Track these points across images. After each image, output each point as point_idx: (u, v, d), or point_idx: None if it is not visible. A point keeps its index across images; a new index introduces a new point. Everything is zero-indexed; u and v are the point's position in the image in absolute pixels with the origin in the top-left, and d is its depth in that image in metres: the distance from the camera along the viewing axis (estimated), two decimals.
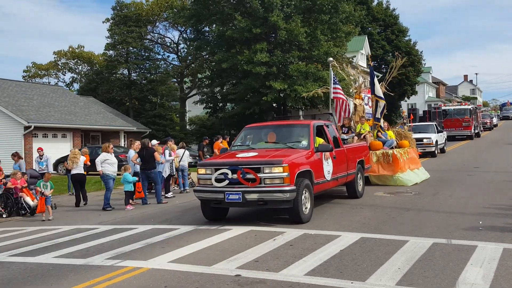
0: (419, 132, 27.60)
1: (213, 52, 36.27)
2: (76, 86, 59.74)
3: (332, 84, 19.12)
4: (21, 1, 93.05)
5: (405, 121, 23.89)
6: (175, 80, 50.14)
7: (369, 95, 18.91)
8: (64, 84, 59.07)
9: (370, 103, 18.77)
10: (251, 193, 9.73)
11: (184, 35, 47.56)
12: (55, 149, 30.13)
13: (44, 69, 59.52)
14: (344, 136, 16.35)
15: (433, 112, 44.00)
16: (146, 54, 48.16)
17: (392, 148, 17.20)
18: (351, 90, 20.42)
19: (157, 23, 48.66)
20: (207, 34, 39.00)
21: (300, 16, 32.95)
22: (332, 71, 19.91)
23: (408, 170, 16.69)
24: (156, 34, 49.78)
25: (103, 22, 48.51)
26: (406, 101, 61.91)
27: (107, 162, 14.89)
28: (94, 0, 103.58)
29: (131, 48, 46.15)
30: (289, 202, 9.78)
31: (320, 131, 12.19)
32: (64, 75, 61.24)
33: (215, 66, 36.59)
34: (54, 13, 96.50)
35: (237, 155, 10.63)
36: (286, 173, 9.62)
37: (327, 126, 12.75)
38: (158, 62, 49.28)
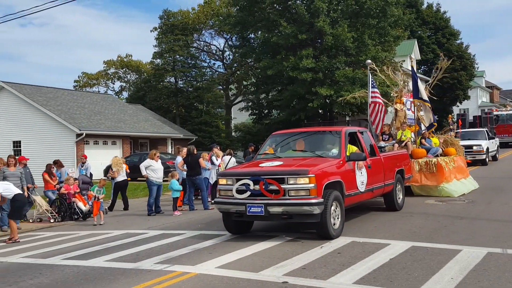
0: (469, 139, 26.50)
1: (259, 59, 36.40)
2: (125, 94, 61.24)
3: (370, 87, 18.13)
4: (73, 13, 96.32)
5: (451, 127, 22.52)
6: (220, 87, 50.62)
7: (411, 99, 17.92)
8: (114, 92, 60.61)
9: (412, 108, 17.68)
10: (275, 205, 9.01)
11: (230, 43, 48.03)
12: (105, 155, 30.86)
13: (94, 78, 61.23)
14: (382, 144, 15.77)
15: (484, 118, 42.34)
16: (192, 62, 48.86)
17: (437, 156, 16.09)
18: (392, 94, 19.30)
19: (203, 31, 49.32)
20: (252, 41, 39.22)
21: (347, 21, 32.68)
22: (370, 75, 19.05)
23: (454, 179, 15.50)
24: (202, 42, 50.51)
25: (150, 31, 49.72)
26: (458, 106, 60.36)
27: (150, 169, 15.17)
28: (142, 10, 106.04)
29: (177, 56, 46.92)
30: (316, 216, 8.98)
31: (353, 139, 11.36)
32: (114, 83, 62.88)
33: (260, 73, 36.71)
34: (103, 24, 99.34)
35: (260, 165, 9.89)
36: (312, 184, 8.84)
37: (362, 132, 11.87)
38: (204, 70, 49.92)
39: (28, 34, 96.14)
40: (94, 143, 31.57)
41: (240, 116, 47.65)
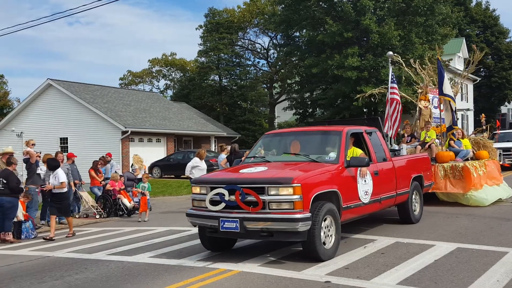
0: (508, 141, 25.05)
1: (303, 57, 36.26)
2: (169, 92, 62.10)
3: (390, 82, 16.37)
4: (118, 12, 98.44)
5: (484, 127, 20.68)
6: (264, 85, 50.70)
7: (438, 96, 15.83)
8: (158, 90, 61.54)
9: (441, 106, 15.53)
10: (252, 220, 7.53)
11: (274, 41, 48.04)
12: (150, 153, 31.47)
13: (138, 77, 62.35)
14: (395, 147, 14.60)
15: None
16: (237, 60, 49.09)
17: (467, 159, 14.47)
18: (419, 91, 17.30)
19: (248, 29, 49.48)
20: (297, 39, 39.10)
21: (394, 19, 32.17)
22: (391, 68, 17.26)
23: (486, 186, 13.63)
24: (246, 41, 50.66)
25: (196, 29, 50.24)
26: (506, 106, 58.57)
27: (197, 168, 15.22)
28: (187, 8, 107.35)
29: (222, 54, 47.23)
30: (301, 234, 7.46)
31: (358, 140, 9.85)
32: (158, 82, 63.86)
33: (304, 71, 36.56)
34: (148, 22, 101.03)
35: (240, 170, 8.50)
36: (297, 196, 7.36)
37: (370, 133, 10.15)
38: (248, 68, 50.09)
39: (75, 32, 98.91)
40: (139, 141, 32.16)
41: (283, 114, 47.58)
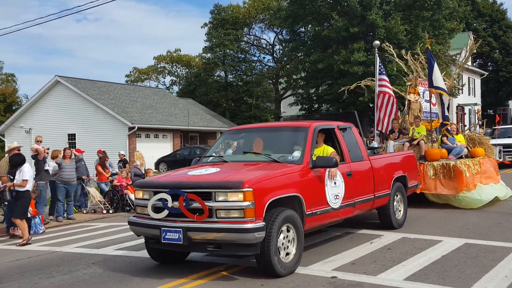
0: (509, 137, 23.53)
1: (309, 53, 36.20)
2: (175, 88, 62.19)
3: (377, 74, 15.28)
4: (125, 8, 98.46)
5: (479, 122, 19.19)
6: (270, 81, 50.67)
7: (428, 89, 14.42)
8: (164, 86, 61.65)
9: (433, 99, 14.33)
10: (197, 231, 6.56)
11: (280, 37, 47.99)
12: (157, 149, 31.57)
13: (144, 73, 62.45)
14: (375, 144, 13.77)
15: None
16: (242, 56, 49.10)
17: (461, 157, 13.40)
18: (408, 83, 15.98)
19: (253, 25, 49.44)
20: (302, 34, 39.04)
21: (400, 13, 32.06)
22: (378, 58, 15.96)
23: (480, 186, 12.45)
24: (252, 36, 50.64)
25: (201, 27, 50.21)
26: None
27: None
28: (192, 4, 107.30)
29: (228, 50, 47.25)
30: (253, 246, 6.48)
31: (330, 137, 8.77)
32: (164, 78, 63.96)
33: (310, 67, 36.50)
34: (154, 18, 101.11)
35: (189, 172, 7.47)
36: (248, 202, 6.37)
37: (343, 129, 9.01)
38: (253, 64, 50.08)
39: (82, 29, 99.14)
40: (145, 136, 32.24)
41: (289, 110, 47.54)
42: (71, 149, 14.67)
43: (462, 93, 40.08)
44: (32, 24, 50.71)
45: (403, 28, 31.17)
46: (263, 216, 6.52)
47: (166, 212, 6.79)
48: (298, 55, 41.30)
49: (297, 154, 7.77)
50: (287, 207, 6.97)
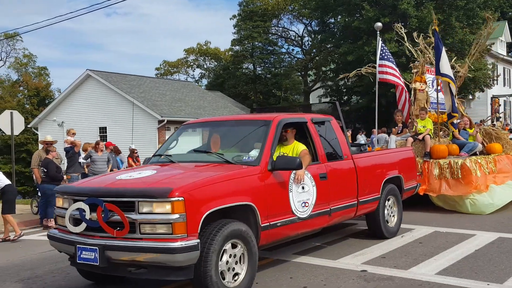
0: None
1: (338, 44, 35.84)
2: (204, 81, 62.44)
3: (378, 59, 13.81)
4: (155, 2, 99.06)
5: (498, 115, 16.93)
6: (299, 73, 50.42)
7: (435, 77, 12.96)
8: (193, 79, 61.92)
9: (443, 88, 12.80)
10: (116, 250, 5.30)
11: (309, 28, 47.65)
12: (186, 143, 31.69)
13: (174, 66, 62.86)
14: (361, 140, 11.93)
15: None
16: (271, 48, 48.95)
17: (475, 154, 12.04)
18: (413, 71, 14.36)
19: (282, 16, 49.21)
20: (332, 26, 38.66)
21: (433, 2, 31.47)
22: (380, 41, 14.33)
23: (493, 187, 10.83)
24: (280, 28, 50.42)
25: (230, 18, 50.22)
26: None
27: None
28: None
29: (256, 43, 47.18)
30: (185, 270, 5.26)
31: (302, 132, 7.29)
32: (193, 71, 64.25)
33: (340, 59, 36.15)
34: (183, 12, 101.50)
35: (119, 176, 6.17)
36: (177, 215, 5.12)
37: (320, 123, 7.59)
38: (282, 56, 49.89)
39: (112, 23, 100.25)
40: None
41: (318, 102, 47.37)
42: (103, 142, 14.86)
43: (497, 83, 39.20)
44: (64, 18, 51.56)
45: (436, 18, 30.58)
46: (198, 231, 5.25)
47: (84, 225, 5.51)
48: (328, 46, 40.94)
49: (254, 153, 6.44)
50: (236, 218, 5.74)
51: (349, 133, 18.95)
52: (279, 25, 50.11)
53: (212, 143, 7.29)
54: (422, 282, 5.98)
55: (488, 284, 5.82)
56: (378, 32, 15.13)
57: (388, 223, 8.52)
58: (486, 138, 13.11)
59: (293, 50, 51.89)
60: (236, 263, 5.66)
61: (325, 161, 7.19)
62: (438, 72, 12.18)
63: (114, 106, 32.57)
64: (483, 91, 35.55)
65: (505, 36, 45.70)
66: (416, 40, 14.89)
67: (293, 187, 6.43)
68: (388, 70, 13.42)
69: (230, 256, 5.59)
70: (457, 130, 12.79)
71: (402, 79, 13.64)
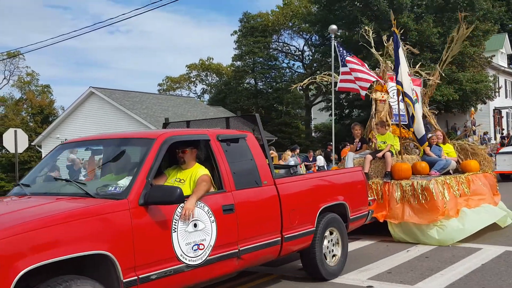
0: None
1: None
2: (206, 96, 62.64)
3: (341, 66, 12.23)
4: (157, 19, 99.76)
5: (474, 128, 15.08)
6: (300, 87, 50.55)
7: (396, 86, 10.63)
8: (196, 95, 62.14)
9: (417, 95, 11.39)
10: None
11: (310, 42, 47.91)
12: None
13: (176, 82, 63.16)
14: (291, 161, 10.25)
15: None
16: (272, 63, 49.22)
17: (448, 173, 10.50)
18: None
19: (282, 32, 49.53)
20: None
21: (432, 16, 31.62)
22: (335, 44, 12.93)
23: (464, 210, 9.32)
24: (281, 43, 50.73)
25: (231, 34, 50.53)
26: None
27: None
28: (222, 13, 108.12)
29: (257, 58, 47.46)
30: None
31: (206, 154, 5.84)
32: (196, 86, 64.54)
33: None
34: (186, 28, 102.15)
35: None
36: None
37: (228, 141, 6.03)
38: (283, 71, 50.16)
39: (115, 41, 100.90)
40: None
41: (320, 116, 47.30)
42: None
43: (499, 95, 39.25)
44: (67, 37, 51.87)
45: (436, 31, 30.72)
46: None
47: None
48: (328, 60, 41.13)
49: (124, 182, 4.95)
50: (92, 273, 4.36)
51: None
52: (279, 40, 50.46)
53: (89, 168, 6.18)
54: None
55: None
56: (333, 36, 14.18)
57: (327, 261, 6.86)
58: (461, 154, 11.57)
59: (293, 64, 52.16)
60: None
61: (233, 189, 5.68)
62: (397, 81, 10.24)
63: (118, 123, 32.65)
64: (485, 103, 35.58)
65: (506, 48, 45.86)
66: (414, 52, 14.28)
67: (178, 225, 4.97)
68: (345, 77, 11.88)
69: None
70: (450, 143, 11.50)
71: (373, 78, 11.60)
